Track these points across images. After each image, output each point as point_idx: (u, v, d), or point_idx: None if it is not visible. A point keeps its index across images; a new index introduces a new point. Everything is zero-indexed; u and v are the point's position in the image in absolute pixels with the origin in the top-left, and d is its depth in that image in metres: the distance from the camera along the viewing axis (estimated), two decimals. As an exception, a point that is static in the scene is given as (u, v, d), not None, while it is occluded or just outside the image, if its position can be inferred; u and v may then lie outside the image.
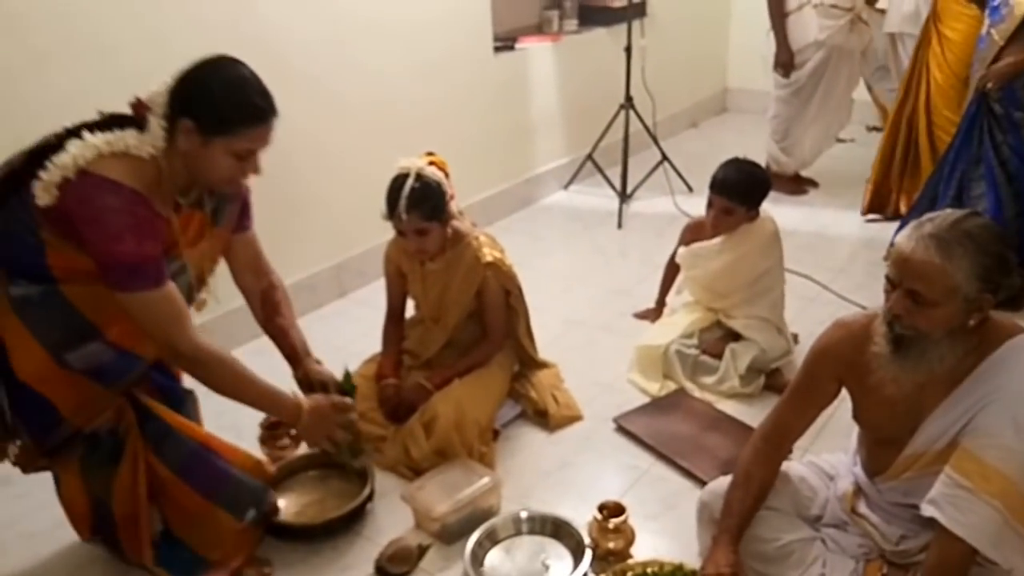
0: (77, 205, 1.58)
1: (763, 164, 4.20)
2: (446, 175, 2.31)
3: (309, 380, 2.01)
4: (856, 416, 1.76)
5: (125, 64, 2.53)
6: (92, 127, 1.66)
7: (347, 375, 2.03)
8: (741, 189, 2.59)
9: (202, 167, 1.70)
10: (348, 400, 1.80)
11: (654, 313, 3.03)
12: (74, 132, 1.66)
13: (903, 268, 1.51)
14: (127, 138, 1.63)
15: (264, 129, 1.71)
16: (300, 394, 1.92)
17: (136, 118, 1.67)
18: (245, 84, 1.68)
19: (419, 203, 2.21)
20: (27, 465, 1.85)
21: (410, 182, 2.20)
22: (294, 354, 2.03)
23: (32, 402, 1.71)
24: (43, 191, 1.59)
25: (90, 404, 1.76)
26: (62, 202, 1.59)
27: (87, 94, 2.45)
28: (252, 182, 2.94)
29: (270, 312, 2.04)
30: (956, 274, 1.46)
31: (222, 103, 1.65)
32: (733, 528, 1.72)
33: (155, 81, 1.69)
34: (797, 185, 4.32)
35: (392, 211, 2.23)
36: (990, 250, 1.48)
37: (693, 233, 2.80)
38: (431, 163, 2.29)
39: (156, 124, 1.64)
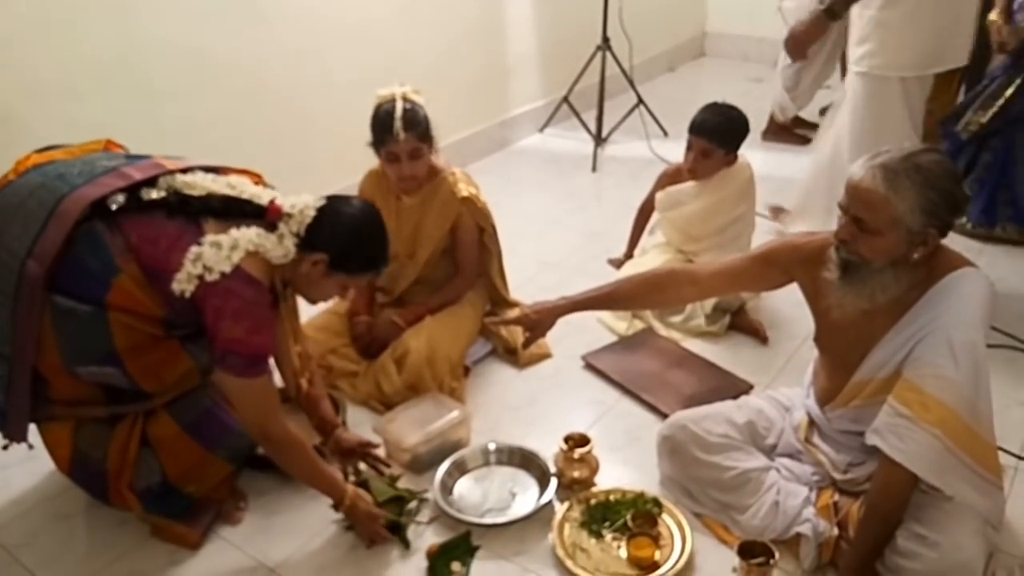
0: (221, 298, 1.64)
1: (768, 112, 4.19)
2: None
3: (341, 448, 2.06)
4: (815, 337, 1.83)
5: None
6: (211, 208, 1.71)
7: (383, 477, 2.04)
8: (720, 131, 2.61)
9: (311, 287, 1.84)
10: (383, 513, 1.90)
11: (624, 262, 3.06)
12: (189, 201, 1.70)
13: (852, 195, 1.56)
14: (265, 242, 1.70)
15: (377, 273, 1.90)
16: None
17: (266, 219, 1.73)
18: (382, 239, 1.83)
19: (414, 124, 2.22)
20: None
21: (400, 104, 2.21)
22: (325, 425, 2.09)
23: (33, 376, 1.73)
24: (186, 281, 1.63)
25: (82, 405, 1.80)
26: (200, 291, 1.64)
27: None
28: (229, 122, 2.95)
29: (303, 382, 2.08)
30: (899, 205, 1.51)
31: (359, 254, 1.80)
32: (591, 298, 1.99)
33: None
34: (799, 137, 4.27)
35: (387, 134, 2.21)
36: (938, 185, 1.51)
37: (671, 179, 2.81)
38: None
39: (290, 241, 1.73)
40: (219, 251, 1.64)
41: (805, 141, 4.27)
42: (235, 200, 1.74)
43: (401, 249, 2.51)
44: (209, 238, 1.66)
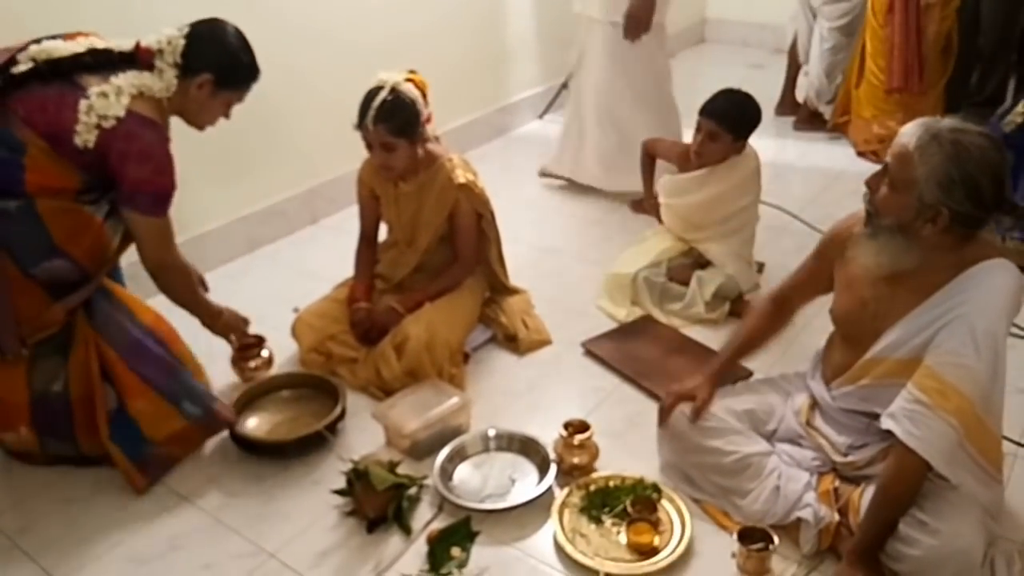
0: (123, 141, 1.77)
1: (801, 99, 4.16)
2: (424, 95, 2.29)
3: None
4: (832, 307, 1.82)
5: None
6: (83, 65, 1.79)
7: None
8: (730, 116, 2.60)
9: (200, 113, 1.97)
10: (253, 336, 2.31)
11: (648, 201, 3.00)
12: (59, 63, 1.77)
13: (893, 145, 1.56)
14: (146, 80, 1.83)
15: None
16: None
17: (139, 62, 1.85)
18: (250, 47, 1.98)
19: (388, 117, 2.20)
20: None
21: (383, 94, 2.20)
22: None
23: None
24: (86, 132, 1.74)
25: (40, 317, 1.85)
26: (102, 140, 1.75)
27: None
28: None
29: None
30: (919, 168, 1.49)
31: (240, 65, 1.96)
32: (720, 360, 1.97)
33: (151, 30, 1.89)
34: (824, 123, 4.20)
35: (360, 120, 2.23)
36: (964, 167, 1.48)
37: (678, 157, 2.79)
38: (410, 80, 2.28)
39: (170, 74, 1.86)
40: (107, 99, 1.75)
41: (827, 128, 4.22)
42: (102, 52, 1.83)
43: (400, 236, 2.50)
44: (94, 89, 1.76)
